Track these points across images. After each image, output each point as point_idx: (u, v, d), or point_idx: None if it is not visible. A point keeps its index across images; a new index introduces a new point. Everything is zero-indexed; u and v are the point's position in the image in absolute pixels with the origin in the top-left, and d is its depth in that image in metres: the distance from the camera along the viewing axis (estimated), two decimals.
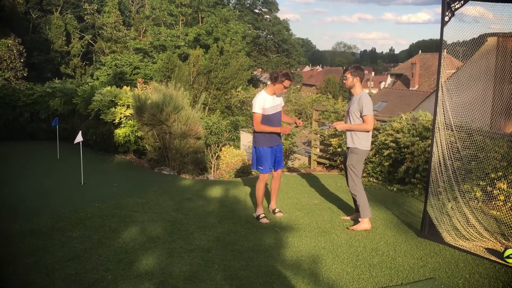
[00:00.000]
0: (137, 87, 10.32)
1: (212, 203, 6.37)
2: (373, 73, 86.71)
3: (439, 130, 4.99)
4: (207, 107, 29.42)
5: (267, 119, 5.50)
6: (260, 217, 5.61)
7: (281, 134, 5.76)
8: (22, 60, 32.39)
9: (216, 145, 12.17)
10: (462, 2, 4.74)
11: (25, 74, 32.50)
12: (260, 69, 55.90)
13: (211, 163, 11.93)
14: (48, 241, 4.82)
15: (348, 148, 5.44)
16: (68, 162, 8.94)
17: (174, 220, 5.56)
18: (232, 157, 11.64)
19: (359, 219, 5.37)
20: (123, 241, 4.86)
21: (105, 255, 4.49)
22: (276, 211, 5.86)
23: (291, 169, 9.88)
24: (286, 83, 5.49)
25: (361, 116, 5.23)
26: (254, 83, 50.40)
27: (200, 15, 40.69)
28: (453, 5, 4.78)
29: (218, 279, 4.03)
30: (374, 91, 60.88)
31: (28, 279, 3.97)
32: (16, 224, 5.31)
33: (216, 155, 12.02)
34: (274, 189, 5.89)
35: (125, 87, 10.41)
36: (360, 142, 5.31)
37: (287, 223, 5.54)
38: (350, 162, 5.34)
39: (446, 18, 4.84)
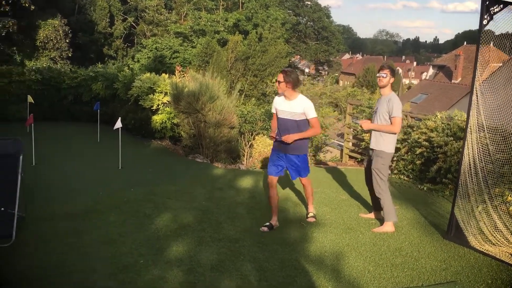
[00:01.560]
0: (175, 74, 10.57)
1: (242, 194, 6.56)
2: (415, 63, 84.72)
3: (471, 132, 4.98)
4: (244, 94, 29.63)
5: (278, 121, 5.21)
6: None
7: (286, 144, 5.04)
8: (67, 41, 33.27)
9: (250, 133, 12.31)
10: (501, 6, 4.67)
11: (70, 54, 33.41)
12: (299, 56, 55.61)
13: (244, 151, 12.12)
14: (86, 223, 5.13)
15: (372, 150, 5.36)
16: (107, 145, 9.32)
17: (205, 209, 5.78)
18: (264, 146, 11.76)
19: (384, 220, 5.41)
20: (156, 227, 5.11)
21: (139, 240, 4.75)
22: (308, 215, 5.58)
23: (322, 163, 9.96)
24: (278, 77, 5.01)
25: (390, 118, 5.16)
26: None
27: (240, 0, 40.70)
28: (491, 8, 4.72)
29: (243, 270, 4.21)
30: (415, 81, 59.56)
31: (68, 258, 4.27)
32: (57, 205, 5.66)
33: (250, 143, 12.19)
34: (306, 195, 5.65)
35: (163, 74, 10.69)
36: (386, 145, 5.22)
37: None
38: (376, 166, 5.29)
39: (485, 22, 4.78)
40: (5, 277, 3.89)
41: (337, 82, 61.93)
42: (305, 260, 4.50)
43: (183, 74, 10.59)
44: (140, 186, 6.58)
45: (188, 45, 38.27)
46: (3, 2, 27.52)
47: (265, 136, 12.33)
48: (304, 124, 5.07)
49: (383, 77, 5.19)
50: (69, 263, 4.19)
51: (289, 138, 4.96)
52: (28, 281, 3.84)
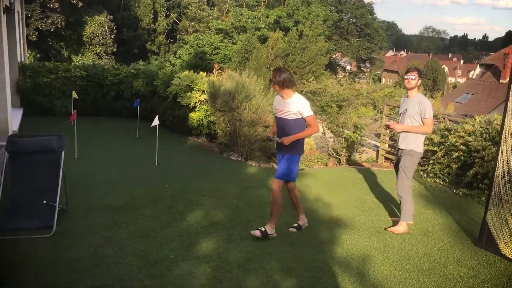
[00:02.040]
0: (213, 72, 10.76)
1: None
2: (462, 61, 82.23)
3: (506, 139, 4.89)
4: None
5: (276, 121, 5.18)
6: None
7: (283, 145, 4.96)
8: (112, 37, 34.26)
9: None
10: None
11: (114, 50, 34.42)
12: (340, 53, 55.00)
13: None
14: (123, 217, 5.36)
15: (401, 149, 5.45)
16: (145, 141, 9.60)
17: (236, 207, 5.92)
18: None
19: (399, 221, 5.44)
20: (187, 224, 5.29)
21: (170, 235, 4.93)
22: (292, 225, 5.33)
23: (356, 163, 9.92)
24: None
25: (422, 119, 5.25)
26: (333, 67, 49.78)
27: None
28: None
29: (269, 269, 4.32)
30: (462, 80, 57.82)
31: (103, 251, 4.49)
32: (97, 199, 5.93)
33: None
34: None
35: (201, 72, 10.89)
36: (416, 144, 5.33)
37: (342, 220, 5.69)
38: (404, 164, 5.37)
39: None
40: (45, 267, 4.14)
41: (379, 80, 60.94)
42: (331, 261, 4.56)
43: (221, 72, 10.77)
44: (175, 183, 6.79)
45: (228, 41, 38.63)
46: None
47: None
48: (300, 123, 4.92)
49: (411, 79, 5.30)
50: (105, 255, 4.41)
51: (286, 140, 4.89)
52: (66, 272, 4.07)
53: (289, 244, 4.91)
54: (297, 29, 34.80)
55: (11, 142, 5.20)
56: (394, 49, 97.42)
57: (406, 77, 5.35)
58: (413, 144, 5.33)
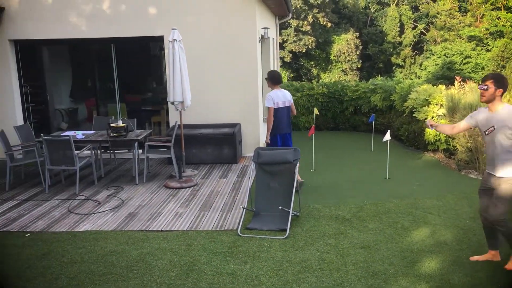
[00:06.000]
0: (454, 85, 10.17)
1: None
2: None
3: None
4: None
5: None
6: None
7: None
8: (357, 53, 35.42)
9: None
10: None
11: (359, 66, 35.47)
12: None
13: None
14: (348, 228, 5.65)
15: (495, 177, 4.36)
16: (378, 155, 9.72)
17: (468, 229, 5.55)
18: None
19: None
20: (411, 240, 5.23)
21: (392, 250, 4.98)
22: None
23: None
24: None
25: None
26: None
27: None
28: None
29: None
30: None
31: (327, 257, 4.86)
32: (327, 208, 6.38)
33: None
34: None
35: (440, 86, 10.41)
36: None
37: None
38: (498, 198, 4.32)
39: None
40: (279, 264, 4.72)
41: None
42: None
43: (463, 84, 10.10)
44: (403, 198, 6.75)
45: (482, 49, 35.31)
46: (305, 23, 31.52)
47: None
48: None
49: (483, 89, 4.17)
50: (329, 261, 4.76)
51: None
52: (295, 270, 4.57)
53: None
54: None
55: (256, 153, 6.07)
56: None
57: (478, 87, 4.22)
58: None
